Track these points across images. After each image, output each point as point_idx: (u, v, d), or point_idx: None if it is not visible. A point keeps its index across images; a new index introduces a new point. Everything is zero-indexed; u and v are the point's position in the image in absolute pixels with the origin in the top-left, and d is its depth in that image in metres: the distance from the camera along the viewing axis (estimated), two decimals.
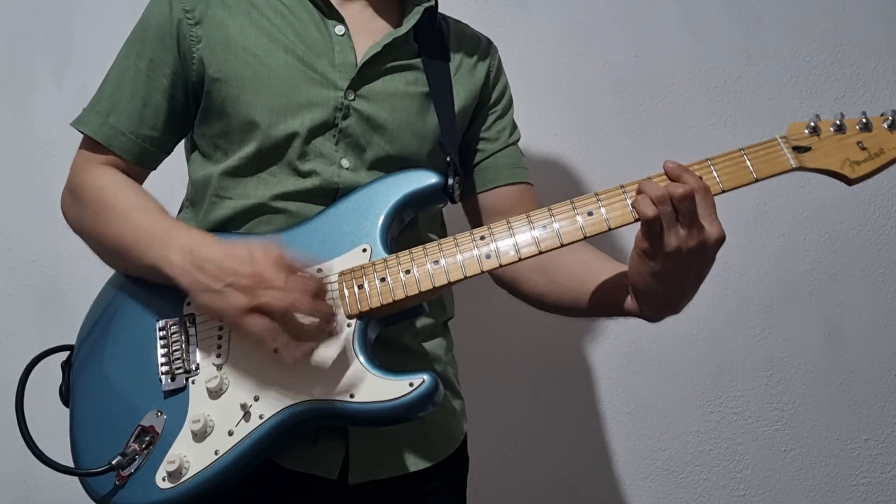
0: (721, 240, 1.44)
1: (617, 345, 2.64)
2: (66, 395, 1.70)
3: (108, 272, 1.74)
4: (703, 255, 1.45)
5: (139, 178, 1.78)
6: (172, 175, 1.87)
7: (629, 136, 2.66)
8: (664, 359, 2.64)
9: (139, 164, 1.75)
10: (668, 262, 1.45)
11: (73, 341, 1.76)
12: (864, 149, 1.48)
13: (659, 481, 2.63)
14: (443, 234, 1.88)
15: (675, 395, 2.63)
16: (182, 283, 1.51)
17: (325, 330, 1.47)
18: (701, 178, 1.45)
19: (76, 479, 1.59)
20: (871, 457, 2.63)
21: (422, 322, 1.78)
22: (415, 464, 1.73)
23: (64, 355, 1.75)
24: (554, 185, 2.53)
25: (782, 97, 2.67)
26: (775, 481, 2.63)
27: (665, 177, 1.47)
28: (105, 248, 1.69)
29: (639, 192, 1.45)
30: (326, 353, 1.51)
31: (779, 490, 2.63)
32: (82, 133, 1.76)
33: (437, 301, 1.82)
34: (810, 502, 2.63)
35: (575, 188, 2.61)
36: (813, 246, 2.65)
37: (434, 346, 1.82)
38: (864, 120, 1.50)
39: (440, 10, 1.85)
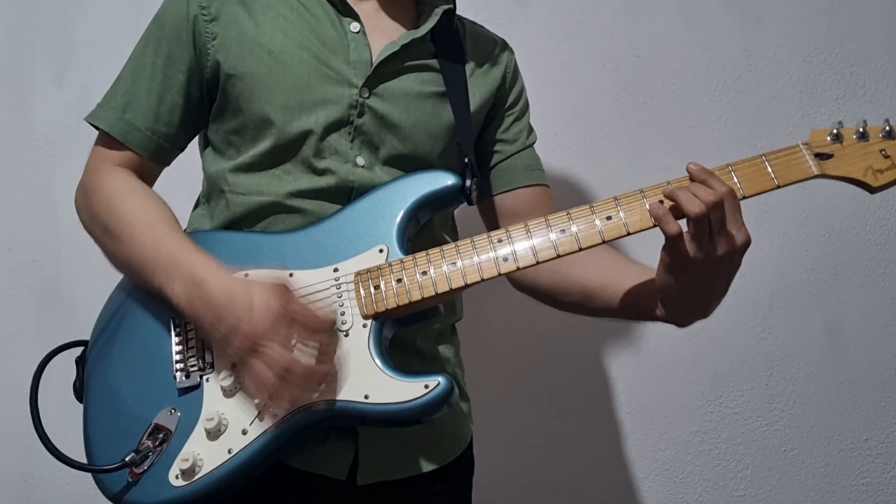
0: (747, 244, 1.45)
1: (617, 345, 2.64)
2: (79, 391, 1.69)
3: (108, 272, 1.73)
4: (731, 261, 1.45)
5: (153, 175, 1.79)
6: (174, 174, 1.87)
7: (629, 136, 2.66)
8: (664, 359, 2.64)
9: (154, 160, 1.75)
10: (696, 273, 1.45)
11: (73, 340, 1.75)
12: (887, 157, 1.49)
13: (659, 481, 2.64)
14: (454, 235, 1.88)
15: (675, 395, 2.64)
16: (185, 316, 1.52)
17: (317, 389, 1.47)
18: (725, 182, 1.44)
19: (76, 478, 1.59)
20: (871, 457, 2.64)
21: (433, 324, 1.78)
22: (423, 465, 1.73)
23: (77, 351, 1.74)
24: (554, 185, 2.51)
25: (782, 97, 2.67)
26: (775, 481, 2.63)
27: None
28: (113, 263, 1.69)
29: (669, 197, 1.45)
30: (342, 353, 1.51)
31: (779, 490, 2.63)
32: (97, 128, 1.74)
33: (448, 303, 1.81)
34: (810, 502, 2.63)
35: (575, 188, 2.62)
36: (813, 246, 2.66)
37: (445, 348, 1.83)
38: (887, 128, 1.50)
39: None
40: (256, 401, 1.50)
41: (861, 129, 1.51)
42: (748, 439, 2.64)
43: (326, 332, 1.47)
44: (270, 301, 1.43)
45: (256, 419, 1.49)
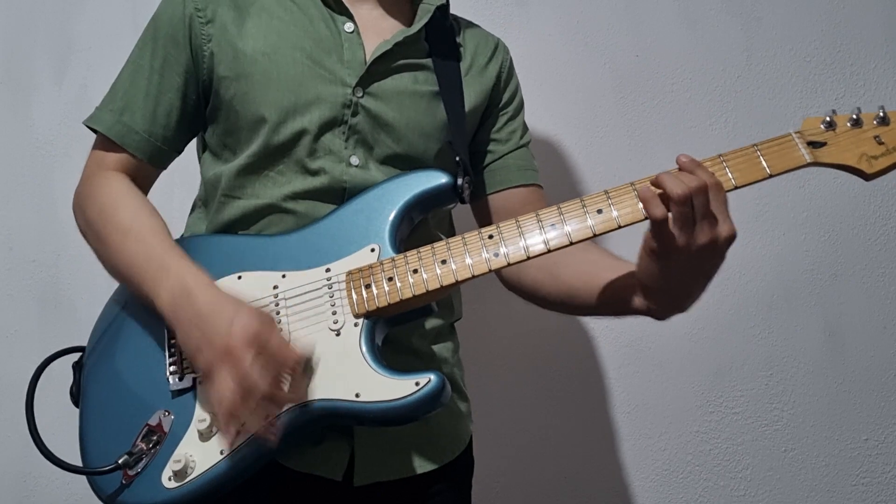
0: (732, 237, 1.42)
1: (617, 345, 2.64)
2: (76, 395, 1.69)
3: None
4: (714, 252, 1.43)
5: (150, 179, 1.79)
6: (173, 175, 1.87)
7: (629, 136, 2.66)
8: (664, 359, 2.64)
9: (151, 163, 1.75)
10: (678, 260, 1.43)
11: (73, 341, 1.76)
12: (881, 143, 1.46)
13: (659, 481, 2.63)
14: (451, 233, 1.88)
15: (675, 395, 2.63)
16: (168, 322, 1.52)
17: (264, 427, 1.46)
18: (713, 174, 1.43)
19: (77, 478, 1.59)
20: (871, 457, 2.63)
21: (430, 324, 1.78)
22: (420, 466, 1.73)
23: (75, 357, 1.74)
24: (554, 185, 2.52)
25: (782, 97, 2.67)
26: (775, 481, 2.63)
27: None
28: (106, 268, 1.69)
29: (654, 184, 1.42)
30: (333, 352, 1.51)
31: (779, 490, 2.63)
32: (95, 132, 1.75)
33: (445, 302, 1.82)
34: (810, 502, 2.63)
35: (575, 188, 2.61)
36: (813, 246, 2.65)
37: (442, 347, 1.82)
38: (881, 114, 1.47)
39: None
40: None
41: (855, 116, 1.48)
42: (748, 439, 2.63)
43: (296, 367, 1.46)
44: (252, 323, 1.42)
45: (249, 420, 1.48)
